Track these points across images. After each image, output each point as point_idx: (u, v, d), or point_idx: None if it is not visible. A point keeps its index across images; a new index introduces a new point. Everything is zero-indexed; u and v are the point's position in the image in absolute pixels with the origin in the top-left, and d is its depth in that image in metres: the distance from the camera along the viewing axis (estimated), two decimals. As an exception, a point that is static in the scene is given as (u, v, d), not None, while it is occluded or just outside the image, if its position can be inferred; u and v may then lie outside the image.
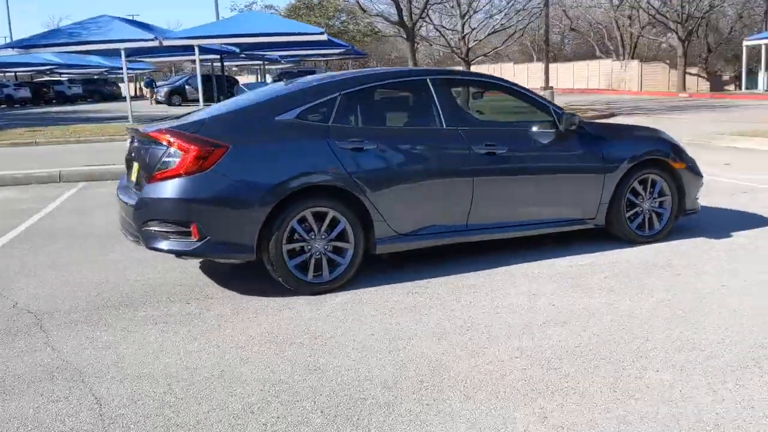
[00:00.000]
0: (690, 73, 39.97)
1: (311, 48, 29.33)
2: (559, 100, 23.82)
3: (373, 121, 5.30)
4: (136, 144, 5.12)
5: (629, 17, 46.69)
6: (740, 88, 39.13)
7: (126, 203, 4.92)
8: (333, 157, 4.78)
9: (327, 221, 4.77)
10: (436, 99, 5.29)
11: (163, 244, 4.65)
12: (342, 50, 32.48)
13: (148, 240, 4.69)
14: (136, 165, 5.05)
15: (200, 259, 5.37)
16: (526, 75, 52.50)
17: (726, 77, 43.72)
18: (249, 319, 4.30)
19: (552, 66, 52.60)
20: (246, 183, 4.60)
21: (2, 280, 5.34)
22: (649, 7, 39.48)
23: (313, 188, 4.72)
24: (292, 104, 4.95)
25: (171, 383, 3.40)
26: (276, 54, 35.69)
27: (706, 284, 4.75)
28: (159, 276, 5.31)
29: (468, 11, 27.52)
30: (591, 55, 51.03)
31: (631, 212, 5.81)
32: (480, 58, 31.90)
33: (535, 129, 5.53)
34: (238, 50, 28.12)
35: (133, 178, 5.08)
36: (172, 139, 4.61)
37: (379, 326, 4.10)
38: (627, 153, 5.75)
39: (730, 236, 6.02)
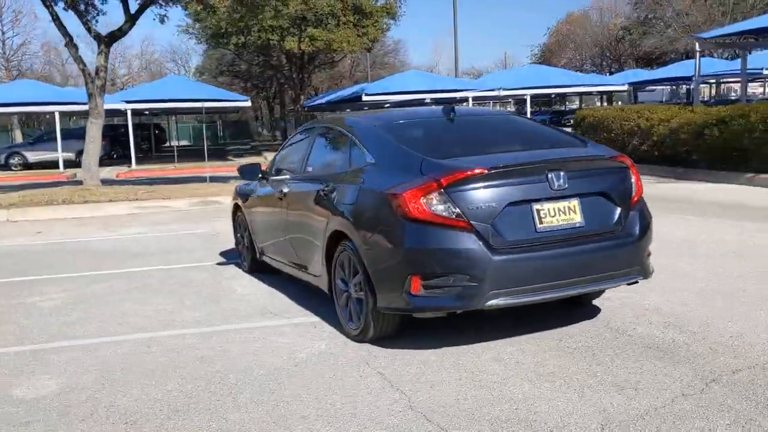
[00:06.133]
0: None
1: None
2: None
3: None
4: (567, 178, 4.44)
5: None
6: None
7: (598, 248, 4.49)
8: None
9: None
10: None
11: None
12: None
13: (650, 271, 4.78)
14: (573, 202, 4.47)
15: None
16: None
17: None
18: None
19: None
20: None
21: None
22: None
23: None
24: None
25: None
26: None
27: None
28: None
29: None
30: None
31: None
32: None
33: None
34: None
35: (568, 217, 4.46)
36: (629, 163, 4.85)
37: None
38: None
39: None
